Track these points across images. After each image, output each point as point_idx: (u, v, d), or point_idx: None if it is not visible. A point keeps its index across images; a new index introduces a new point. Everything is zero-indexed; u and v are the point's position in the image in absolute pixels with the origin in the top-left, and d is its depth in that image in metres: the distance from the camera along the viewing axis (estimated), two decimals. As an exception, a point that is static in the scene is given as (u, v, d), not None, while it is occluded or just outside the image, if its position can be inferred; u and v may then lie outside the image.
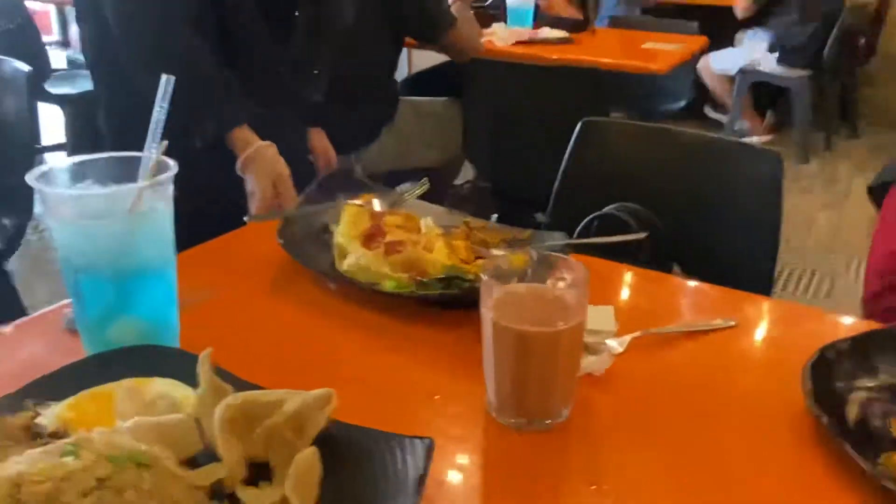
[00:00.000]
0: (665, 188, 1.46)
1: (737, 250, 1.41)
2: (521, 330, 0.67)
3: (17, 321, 0.90)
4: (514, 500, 0.63)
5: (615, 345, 0.82)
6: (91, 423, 0.59)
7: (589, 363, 0.77)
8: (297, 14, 1.48)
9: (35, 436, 0.61)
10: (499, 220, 1.14)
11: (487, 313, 0.69)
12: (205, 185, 1.10)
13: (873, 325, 0.89)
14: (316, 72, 1.60)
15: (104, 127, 1.53)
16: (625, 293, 1.02)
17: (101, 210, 0.72)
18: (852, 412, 0.71)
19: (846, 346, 0.79)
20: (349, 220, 1.00)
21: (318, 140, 1.67)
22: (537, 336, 0.68)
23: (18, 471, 0.48)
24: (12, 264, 1.92)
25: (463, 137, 2.89)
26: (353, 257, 0.94)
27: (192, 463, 0.57)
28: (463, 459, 0.68)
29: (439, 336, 0.86)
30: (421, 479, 0.56)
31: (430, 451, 0.58)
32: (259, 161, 1.28)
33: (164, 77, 0.73)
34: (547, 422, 0.71)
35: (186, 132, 1.22)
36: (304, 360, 0.83)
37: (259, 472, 0.58)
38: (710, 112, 5.08)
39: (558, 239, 1.01)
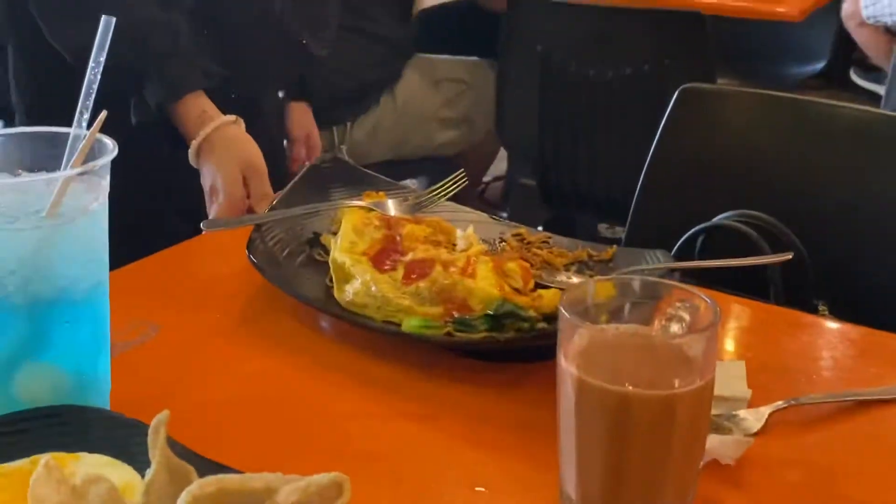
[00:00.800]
0: (803, 189, 1.46)
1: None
2: (621, 392, 0.66)
3: None
4: None
5: (751, 420, 0.81)
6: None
7: (715, 446, 0.76)
8: None
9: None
10: (552, 231, 1.14)
11: (568, 367, 0.68)
12: (144, 178, 1.09)
13: None
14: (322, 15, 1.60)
15: (16, 103, 1.52)
16: (756, 343, 1.01)
17: (8, 210, 0.71)
18: None
19: None
20: (352, 230, 1.00)
21: (300, 118, 1.67)
22: (645, 401, 0.67)
23: None
24: None
25: (496, 113, 2.90)
26: (360, 283, 0.94)
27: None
28: None
29: (486, 399, 0.85)
30: None
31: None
32: (222, 144, 1.27)
33: (103, 19, 0.74)
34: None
35: (117, 103, 1.19)
36: (291, 430, 0.82)
37: None
38: (857, 77, 5.07)
39: (660, 260, 1.01)
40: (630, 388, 0.67)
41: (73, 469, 0.65)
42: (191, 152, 1.28)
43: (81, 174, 0.71)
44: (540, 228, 1.14)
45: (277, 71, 1.51)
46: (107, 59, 0.76)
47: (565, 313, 0.69)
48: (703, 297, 0.70)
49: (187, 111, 1.28)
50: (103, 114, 0.72)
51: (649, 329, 0.72)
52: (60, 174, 0.71)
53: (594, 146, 2.69)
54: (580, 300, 0.72)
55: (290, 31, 1.52)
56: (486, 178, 3.57)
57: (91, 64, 0.74)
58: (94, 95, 0.73)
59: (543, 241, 1.08)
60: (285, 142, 1.71)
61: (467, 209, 1.16)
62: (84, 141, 0.72)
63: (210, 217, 1.27)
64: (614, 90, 2.59)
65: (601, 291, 0.74)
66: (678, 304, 0.72)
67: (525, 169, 3.05)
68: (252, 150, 1.29)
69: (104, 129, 0.73)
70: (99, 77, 0.74)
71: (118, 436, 0.68)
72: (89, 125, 0.73)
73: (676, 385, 0.67)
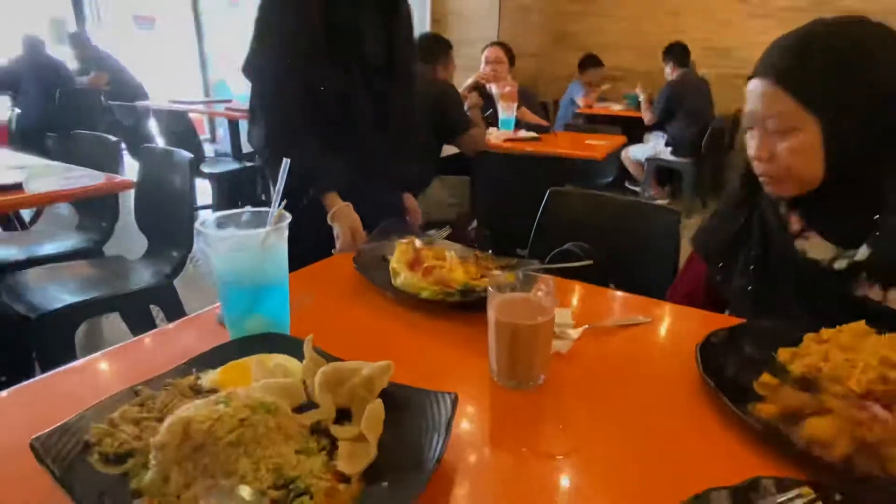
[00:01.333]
0: (604, 232, 1.43)
1: (650, 272, 1.38)
2: (514, 323, 0.66)
3: (184, 318, 0.90)
4: (509, 435, 0.61)
5: (574, 333, 0.80)
6: (234, 383, 0.59)
7: (557, 345, 0.75)
8: (391, 113, 1.39)
9: (197, 392, 0.61)
10: (494, 254, 1.12)
11: (492, 313, 0.68)
12: (308, 227, 1.07)
13: (741, 321, 0.86)
14: (403, 158, 1.51)
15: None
16: (579, 300, 0.99)
17: (243, 245, 0.71)
18: (728, 376, 0.69)
19: (724, 333, 0.77)
20: (400, 253, 0.98)
21: (410, 202, 1.60)
22: (524, 327, 0.66)
23: (188, 414, 0.48)
24: (176, 283, 1.92)
25: (471, 201, 2.90)
26: (403, 277, 0.93)
27: (299, 409, 0.57)
28: (474, 408, 0.66)
29: (459, 328, 0.84)
30: (449, 422, 0.55)
31: (455, 402, 0.57)
32: (341, 215, 1.24)
33: (284, 161, 0.74)
34: (530, 384, 0.69)
35: (299, 195, 1.19)
36: (372, 343, 0.81)
37: (344, 416, 0.57)
38: (628, 185, 5.05)
39: (535, 265, 1.00)
40: (519, 321, 0.66)
41: (272, 361, 0.65)
42: (328, 218, 1.24)
43: (275, 229, 0.71)
44: (491, 251, 1.12)
45: (382, 180, 1.42)
46: (295, 176, 0.75)
47: (490, 289, 0.68)
48: (549, 279, 0.70)
49: (327, 199, 1.24)
50: (284, 201, 0.72)
51: (528, 294, 0.71)
52: (265, 230, 0.70)
53: (515, 215, 2.68)
54: (498, 283, 0.71)
55: (390, 164, 1.42)
56: (469, 229, 3.56)
57: (280, 179, 0.74)
58: (281, 194, 0.73)
59: (486, 257, 1.05)
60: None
61: (453, 243, 1.13)
62: (275, 213, 0.72)
63: (336, 248, 1.25)
64: (522, 190, 2.57)
65: (507, 279, 0.73)
66: (540, 284, 0.71)
67: (485, 225, 3.05)
68: (356, 220, 1.25)
69: (289, 206, 0.73)
70: (282, 186, 0.73)
71: (292, 345, 0.68)
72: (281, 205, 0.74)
73: (538, 319, 0.66)
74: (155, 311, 1.90)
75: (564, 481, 0.55)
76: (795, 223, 0.88)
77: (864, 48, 0.76)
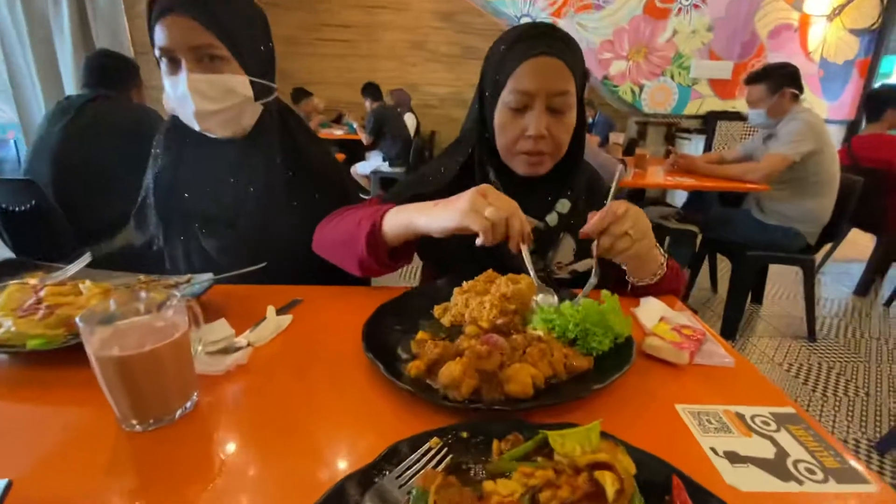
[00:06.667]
0: None
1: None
2: (119, 356, 0.45)
3: None
4: (140, 486, 0.41)
5: (243, 341, 0.61)
6: None
7: (228, 360, 0.56)
8: None
9: None
10: None
11: (89, 349, 0.45)
12: None
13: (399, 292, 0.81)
14: None
15: None
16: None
17: None
18: (391, 343, 0.63)
19: (390, 304, 0.72)
20: (6, 298, 0.65)
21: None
22: (135, 357, 0.45)
23: None
24: None
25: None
26: (4, 328, 0.60)
27: None
28: (95, 466, 0.43)
29: (75, 374, 0.54)
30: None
31: (7, 488, 0.34)
32: None
33: None
34: (173, 416, 0.49)
35: None
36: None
37: None
38: (361, 195, 5.10)
39: (207, 277, 0.75)
40: (127, 353, 0.45)
41: None
42: None
43: None
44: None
45: None
46: None
47: (79, 321, 0.45)
48: (181, 297, 0.51)
49: None
50: None
51: (149, 317, 0.49)
52: None
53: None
54: (92, 313, 0.49)
55: None
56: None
57: None
58: None
59: (153, 280, 0.74)
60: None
61: (116, 272, 0.79)
62: None
63: None
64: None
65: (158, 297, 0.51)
66: (171, 302, 0.51)
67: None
68: None
69: None
70: None
71: None
72: None
73: (158, 344, 0.46)
74: None
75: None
76: None
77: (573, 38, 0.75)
